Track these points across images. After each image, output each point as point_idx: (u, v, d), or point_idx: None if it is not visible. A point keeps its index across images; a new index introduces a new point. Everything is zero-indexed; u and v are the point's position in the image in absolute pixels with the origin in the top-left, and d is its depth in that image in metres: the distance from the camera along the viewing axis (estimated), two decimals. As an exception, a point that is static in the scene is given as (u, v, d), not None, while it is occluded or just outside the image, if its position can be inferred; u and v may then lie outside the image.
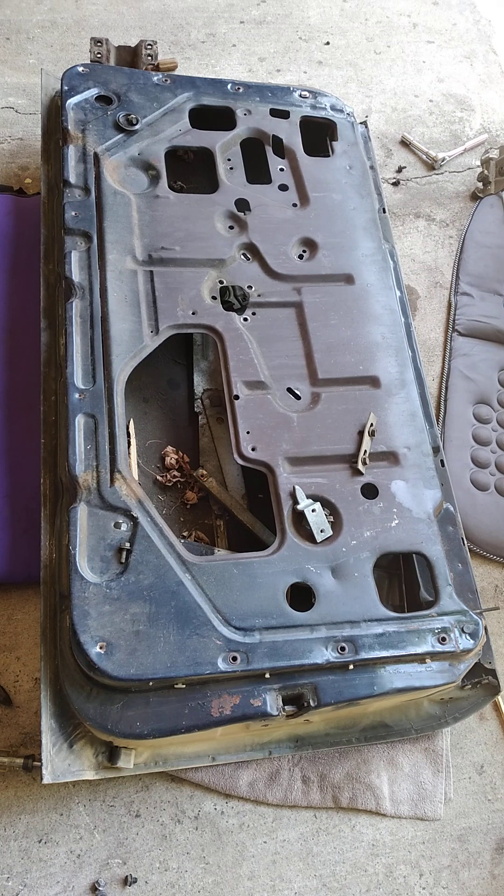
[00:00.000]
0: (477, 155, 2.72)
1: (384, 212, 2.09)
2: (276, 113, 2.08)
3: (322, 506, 1.61)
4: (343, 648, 1.47)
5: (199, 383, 1.99)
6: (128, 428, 1.63)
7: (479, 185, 2.60)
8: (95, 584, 1.43)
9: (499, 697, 1.86)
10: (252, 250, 1.88)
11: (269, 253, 1.88)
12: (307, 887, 1.66)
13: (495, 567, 2.07)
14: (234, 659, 1.41)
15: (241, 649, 1.42)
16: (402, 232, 2.52)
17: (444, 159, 2.65)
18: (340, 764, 1.75)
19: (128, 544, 1.47)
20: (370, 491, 1.65)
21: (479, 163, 2.68)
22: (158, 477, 1.85)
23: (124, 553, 1.46)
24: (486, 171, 2.57)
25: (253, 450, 1.64)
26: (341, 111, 2.17)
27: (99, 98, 1.97)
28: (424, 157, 2.67)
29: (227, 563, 1.52)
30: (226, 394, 1.69)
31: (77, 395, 1.60)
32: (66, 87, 1.95)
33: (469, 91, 2.87)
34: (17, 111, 2.47)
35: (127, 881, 1.61)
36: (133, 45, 2.21)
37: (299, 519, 1.59)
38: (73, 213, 1.79)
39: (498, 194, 2.56)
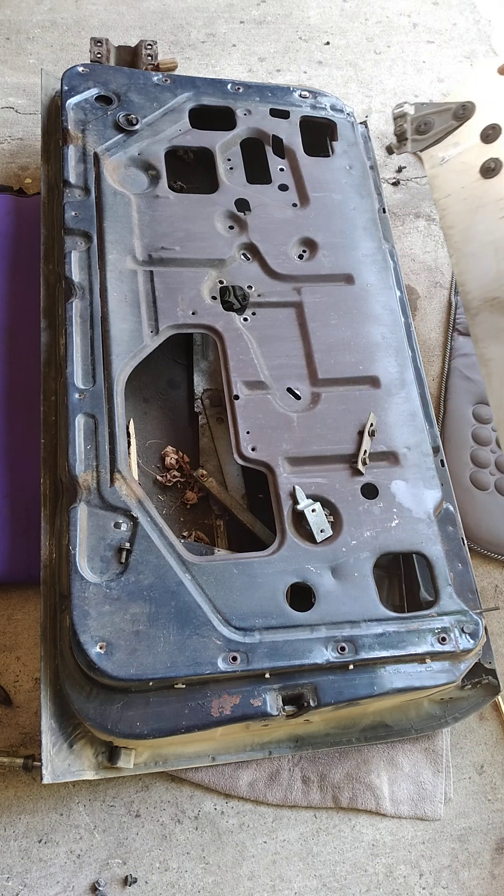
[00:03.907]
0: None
1: (384, 212, 2.09)
2: (276, 113, 2.08)
3: (322, 506, 1.61)
4: (343, 648, 1.47)
5: (199, 383, 1.99)
6: (128, 428, 1.63)
7: (394, 140, 2.35)
8: (95, 584, 1.43)
9: (499, 697, 1.86)
10: (252, 250, 1.88)
11: (269, 253, 1.87)
12: (307, 887, 1.66)
13: (495, 567, 2.07)
14: (234, 659, 1.41)
15: (241, 649, 1.42)
16: (402, 232, 2.52)
17: (443, 159, 2.64)
18: (340, 764, 1.75)
19: (128, 544, 1.47)
20: (370, 491, 1.65)
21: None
22: (158, 477, 1.85)
23: (124, 553, 1.46)
24: (403, 126, 2.32)
25: (253, 450, 1.64)
26: (341, 111, 2.17)
27: (99, 98, 1.97)
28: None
29: (227, 563, 1.52)
30: (226, 394, 1.69)
31: (77, 395, 1.60)
32: (66, 87, 1.95)
33: (469, 91, 2.87)
34: (17, 111, 2.47)
35: (127, 881, 1.61)
36: (133, 45, 2.20)
37: (299, 519, 1.59)
38: (73, 213, 1.79)
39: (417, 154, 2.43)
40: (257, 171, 2.01)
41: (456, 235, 2.09)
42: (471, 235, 2.08)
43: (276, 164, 2.02)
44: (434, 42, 2.98)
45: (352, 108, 2.22)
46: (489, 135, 2.12)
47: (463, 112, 2.18)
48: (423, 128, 2.23)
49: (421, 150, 2.29)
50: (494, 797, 1.82)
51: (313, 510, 1.59)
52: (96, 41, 2.14)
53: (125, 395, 1.62)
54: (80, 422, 1.58)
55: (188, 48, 2.73)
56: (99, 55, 2.13)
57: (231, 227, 1.90)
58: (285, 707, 1.45)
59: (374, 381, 1.78)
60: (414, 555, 1.71)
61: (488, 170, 2.10)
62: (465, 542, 1.73)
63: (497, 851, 1.77)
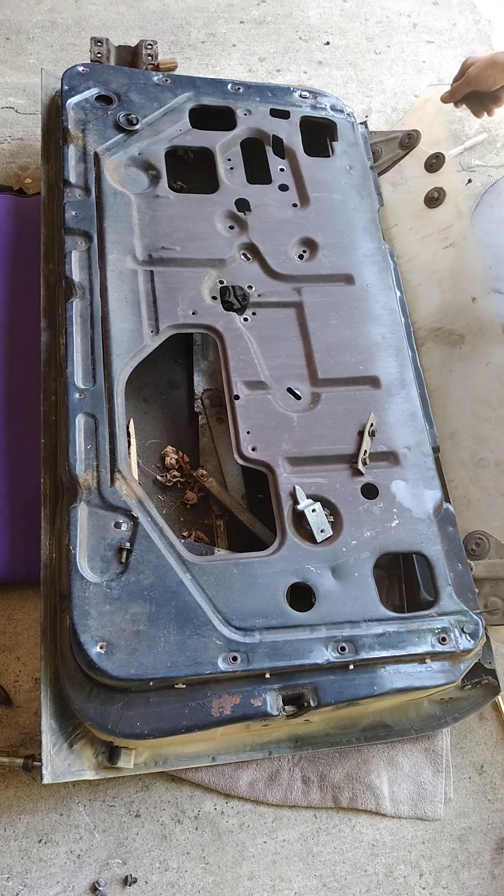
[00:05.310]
0: (477, 154, 2.71)
1: (384, 212, 2.10)
2: (276, 113, 2.08)
3: (322, 506, 1.61)
4: (343, 648, 1.47)
5: (199, 383, 1.99)
6: (128, 428, 1.63)
7: None
8: (96, 583, 1.43)
9: (499, 697, 1.86)
10: (252, 250, 1.88)
11: (269, 253, 1.87)
12: (307, 887, 1.66)
13: (495, 567, 2.07)
14: (235, 659, 1.41)
15: (241, 649, 1.42)
16: (402, 232, 2.52)
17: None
18: (340, 764, 1.75)
19: (128, 544, 1.47)
20: (370, 491, 1.65)
21: (478, 162, 2.67)
22: (158, 477, 1.85)
23: (124, 553, 1.46)
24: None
25: (253, 450, 1.64)
26: (341, 111, 2.17)
27: (99, 98, 1.96)
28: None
29: (228, 563, 1.52)
30: (226, 394, 1.69)
31: (77, 395, 1.60)
32: (66, 87, 1.95)
33: (469, 91, 2.87)
34: (17, 111, 2.47)
35: (127, 881, 1.61)
36: (133, 45, 2.20)
37: (299, 519, 1.59)
38: (74, 213, 1.79)
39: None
40: (257, 172, 2.01)
41: (403, 265, 2.11)
42: (417, 266, 2.10)
43: (276, 164, 2.02)
44: (434, 42, 2.98)
45: (352, 109, 2.22)
46: (433, 164, 2.14)
47: (409, 141, 2.20)
48: (372, 157, 2.24)
49: None
50: (494, 797, 1.82)
51: (313, 510, 1.59)
52: (96, 41, 2.14)
53: (125, 394, 1.62)
54: (80, 421, 1.58)
55: (188, 48, 2.73)
56: (99, 55, 2.13)
57: (231, 227, 1.90)
58: (285, 707, 1.45)
59: (374, 382, 1.78)
60: (414, 555, 1.71)
61: (432, 199, 2.12)
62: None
63: (497, 851, 1.77)
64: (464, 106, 1.98)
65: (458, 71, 1.93)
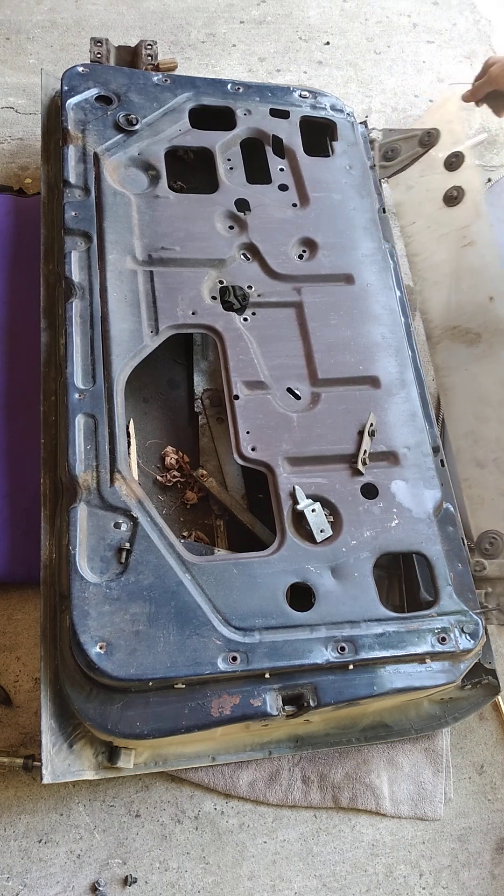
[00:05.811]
0: (477, 154, 2.71)
1: (384, 212, 2.09)
2: (276, 113, 2.08)
3: (322, 506, 1.61)
4: (343, 648, 1.47)
5: (199, 383, 1.99)
6: (128, 428, 1.63)
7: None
8: (95, 584, 1.43)
9: (499, 697, 1.86)
10: (252, 250, 1.88)
11: (269, 253, 1.87)
12: (307, 887, 1.66)
13: (495, 567, 2.07)
14: (234, 659, 1.41)
15: (240, 649, 1.42)
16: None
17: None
18: (340, 764, 1.75)
19: (128, 544, 1.47)
20: (370, 491, 1.65)
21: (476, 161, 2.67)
22: (158, 477, 1.85)
23: (124, 553, 1.46)
24: (371, 152, 2.42)
25: (253, 450, 1.64)
26: (341, 111, 2.17)
27: (99, 98, 1.96)
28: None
29: (227, 563, 1.52)
30: (226, 394, 1.69)
31: (77, 395, 1.60)
32: (66, 87, 1.95)
33: (469, 91, 2.86)
34: (17, 111, 2.47)
35: (127, 881, 1.61)
36: (133, 45, 2.20)
37: (299, 519, 1.59)
38: (73, 213, 1.79)
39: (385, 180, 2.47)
40: (257, 171, 2.01)
41: (420, 263, 2.11)
42: (434, 264, 2.10)
43: (276, 164, 2.02)
44: (434, 42, 2.98)
45: (352, 108, 2.22)
46: (452, 162, 2.14)
47: (428, 139, 2.21)
48: (391, 154, 2.25)
49: (388, 178, 2.30)
50: (494, 797, 1.82)
51: (313, 510, 1.59)
52: (96, 41, 2.14)
53: (125, 395, 1.63)
54: (80, 422, 1.58)
55: (188, 48, 2.73)
56: (99, 55, 2.13)
57: (231, 227, 1.90)
58: (285, 707, 1.45)
59: (374, 381, 1.78)
60: (414, 555, 1.71)
61: (451, 198, 2.12)
62: (465, 542, 1.73)
63: (497, 851, 1.77)
64: (485, 105, 1.99)
65: (479, 70, 1.93)
